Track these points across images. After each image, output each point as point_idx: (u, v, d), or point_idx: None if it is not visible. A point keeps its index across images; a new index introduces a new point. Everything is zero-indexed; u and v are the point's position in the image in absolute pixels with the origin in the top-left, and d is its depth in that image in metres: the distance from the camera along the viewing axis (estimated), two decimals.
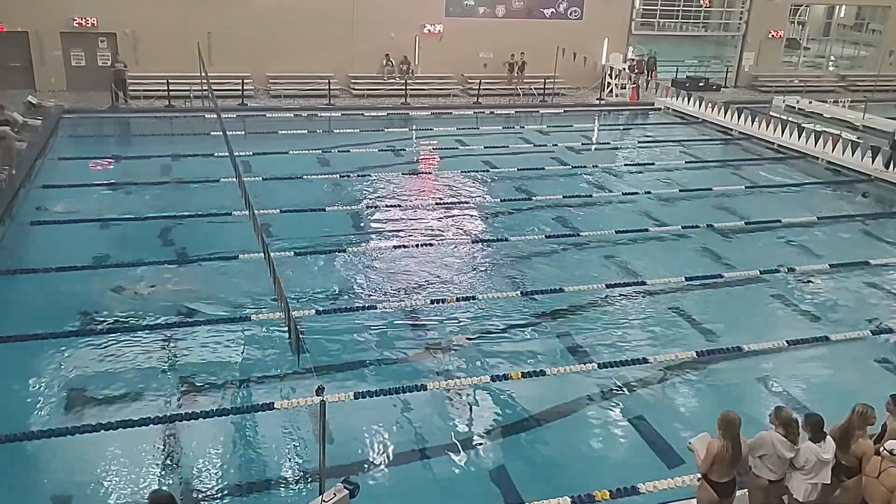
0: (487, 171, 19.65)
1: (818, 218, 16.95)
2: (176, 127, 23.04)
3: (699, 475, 6.82)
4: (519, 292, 12.42)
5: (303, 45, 26.52)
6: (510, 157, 21.06)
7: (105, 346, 10.23)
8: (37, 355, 9.97)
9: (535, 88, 28.86)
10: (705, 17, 33.80)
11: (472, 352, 10.61)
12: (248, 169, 17.57)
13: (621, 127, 27.52)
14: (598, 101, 29.22)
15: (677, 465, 8.24)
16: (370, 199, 17.00)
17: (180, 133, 22.26)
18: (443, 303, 11.92)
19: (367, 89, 27.74)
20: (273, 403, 8.99)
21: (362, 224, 15.51)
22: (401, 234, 15.03)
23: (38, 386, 9.35)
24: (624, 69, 29.84)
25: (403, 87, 27.14)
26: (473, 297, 12.13)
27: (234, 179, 12.55)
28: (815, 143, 22.02)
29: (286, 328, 9.25)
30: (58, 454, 8.19)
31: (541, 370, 9.98)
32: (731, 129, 25.05)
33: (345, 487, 6.50)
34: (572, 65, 28.19)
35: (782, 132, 23.23)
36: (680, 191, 18.63)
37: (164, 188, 17.01)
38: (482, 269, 13.53)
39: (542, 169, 19.85)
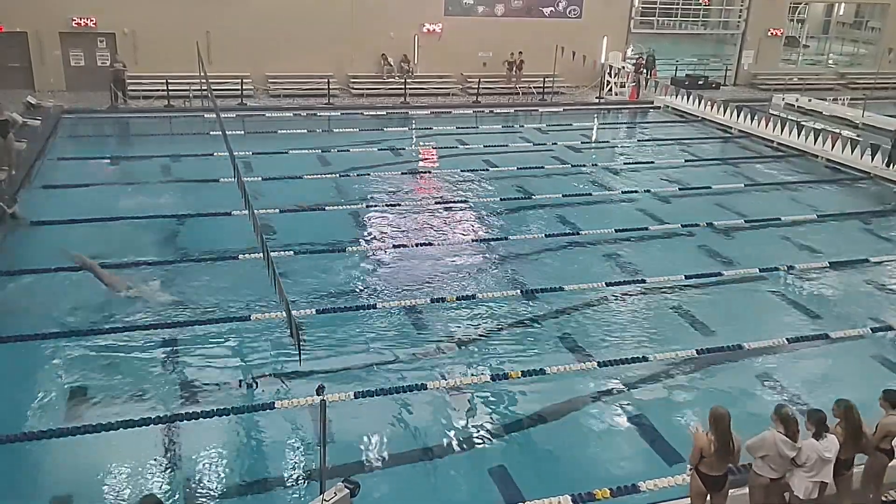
0: (487, 170, 19.63)
1: (818, 216, 16.96)
2: (175, 127, 23.04)
3: (690, 467, 6.85)
4: (519, 291, 12.42)
5: (302, 45, 26.50)
6: (510, 155, 21.06)
7: (105, 346, 10.22)
8: (37, 355, 9.97)
9: (534, 87, 28.85)
10: (704, 16, 33.82)
11: (472, 351, 10.62)
12: (247, 168, 17.58)
13: (621, 125, 27.52)
14: (597, 100, 29.21)
15: (677, 464, 8.23)
16: (370, 198, 16.99)
17: (180, 133, 22.26)
18: (443, 302, 11.92)
19: (367, 89, 27.71)
20: (273, 403, 8.99)
21: (362, 223, 15.50)
22: (400, 233, 15.03)
23: (38, 386, 9.34)
24: (624, 67, 29.83)
25: (403, 87, 27.14)
26: (473, 297, 12.12)
27: (234, 179, 12.54)
28: (815, 141, 22.03)
29: (286, 328, 9.25)
30: (58, 454, 8.18)
31: (541, 369, 9.97)
32: (731, 128, 25.04)
33: (345, 486, 6.51)
34: (571, 63, 28.20)
35: (781, 130, 23.24)
36: (679, 189, 18.63)
37: (163, 188, 16.98)
38: (482, 268, 13.52)
39: (542, 168, 19.83)
